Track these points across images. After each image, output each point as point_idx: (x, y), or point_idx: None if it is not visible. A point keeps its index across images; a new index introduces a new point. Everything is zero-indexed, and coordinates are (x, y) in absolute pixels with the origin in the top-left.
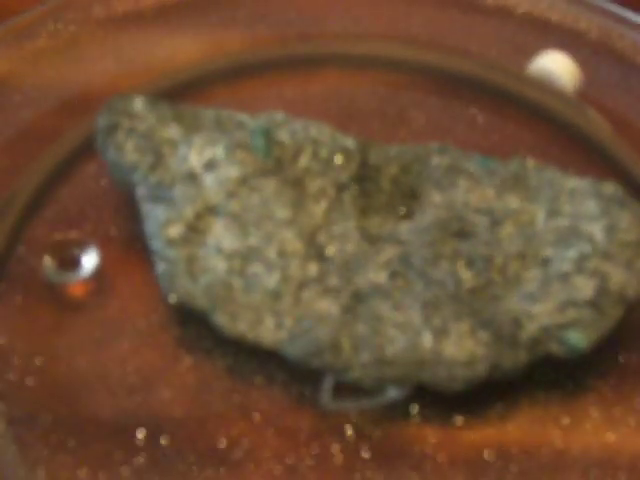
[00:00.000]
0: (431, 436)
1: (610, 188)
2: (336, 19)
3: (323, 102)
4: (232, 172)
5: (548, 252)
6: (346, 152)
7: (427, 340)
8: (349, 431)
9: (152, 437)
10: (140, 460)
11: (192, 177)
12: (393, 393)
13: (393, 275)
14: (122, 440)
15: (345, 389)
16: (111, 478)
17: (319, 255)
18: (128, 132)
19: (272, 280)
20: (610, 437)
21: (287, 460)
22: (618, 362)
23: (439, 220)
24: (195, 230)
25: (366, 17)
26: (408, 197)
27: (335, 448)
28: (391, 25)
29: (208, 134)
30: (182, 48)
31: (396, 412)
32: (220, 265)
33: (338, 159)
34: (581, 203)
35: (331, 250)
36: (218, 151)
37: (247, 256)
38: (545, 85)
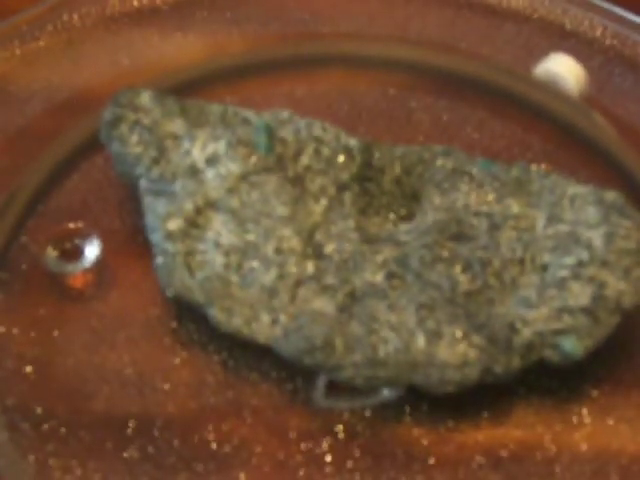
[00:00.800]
0: (422, 438)
1: (611, 195)
2: (348, 20)
3: (329, 102)
4: (233, 168)
5: (546, 258)
6: (348, 152)
7: (420, 342)
8: (340, 430)
9: (144, 429)
10: (131, 452)
11: (194, 172)
12: (386, 393)
13: (390, 276)
14: (114, 431)
15: (338, 388)
16: (101, 468)
17: (317, 253)
18: (133, 125)
19: (269, 277)
20: (602, 444)
21: (277, 457)
22: (612, 369)
23: (438, 222)
24: (195, 224)
25: (378, 18)
26: (409, 198)
27: (325, 446)
28: (404, 27)
29: (211, 129)
30: (184, 48)
31: (388, 412)
32: (218, 260)
33: (340, 158)
34: (582, 210)
35: (329, 249)
36: (220, 146)
37: (245, 252)
38: (550, 88)
